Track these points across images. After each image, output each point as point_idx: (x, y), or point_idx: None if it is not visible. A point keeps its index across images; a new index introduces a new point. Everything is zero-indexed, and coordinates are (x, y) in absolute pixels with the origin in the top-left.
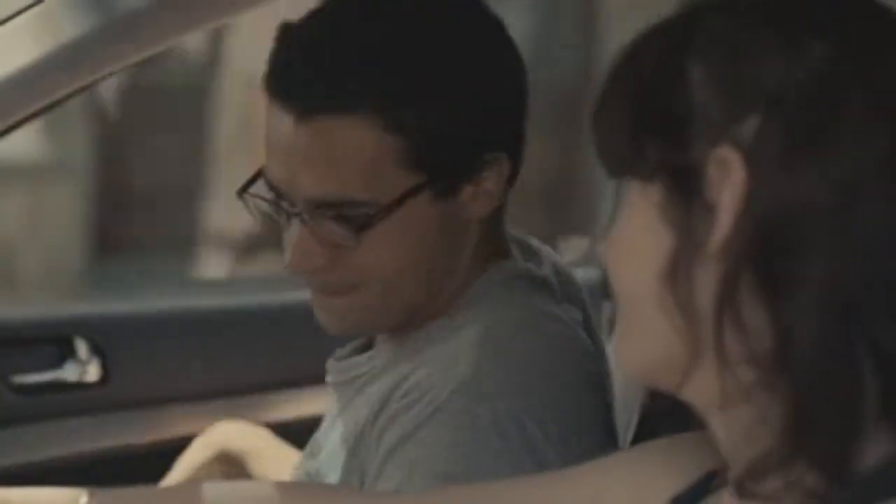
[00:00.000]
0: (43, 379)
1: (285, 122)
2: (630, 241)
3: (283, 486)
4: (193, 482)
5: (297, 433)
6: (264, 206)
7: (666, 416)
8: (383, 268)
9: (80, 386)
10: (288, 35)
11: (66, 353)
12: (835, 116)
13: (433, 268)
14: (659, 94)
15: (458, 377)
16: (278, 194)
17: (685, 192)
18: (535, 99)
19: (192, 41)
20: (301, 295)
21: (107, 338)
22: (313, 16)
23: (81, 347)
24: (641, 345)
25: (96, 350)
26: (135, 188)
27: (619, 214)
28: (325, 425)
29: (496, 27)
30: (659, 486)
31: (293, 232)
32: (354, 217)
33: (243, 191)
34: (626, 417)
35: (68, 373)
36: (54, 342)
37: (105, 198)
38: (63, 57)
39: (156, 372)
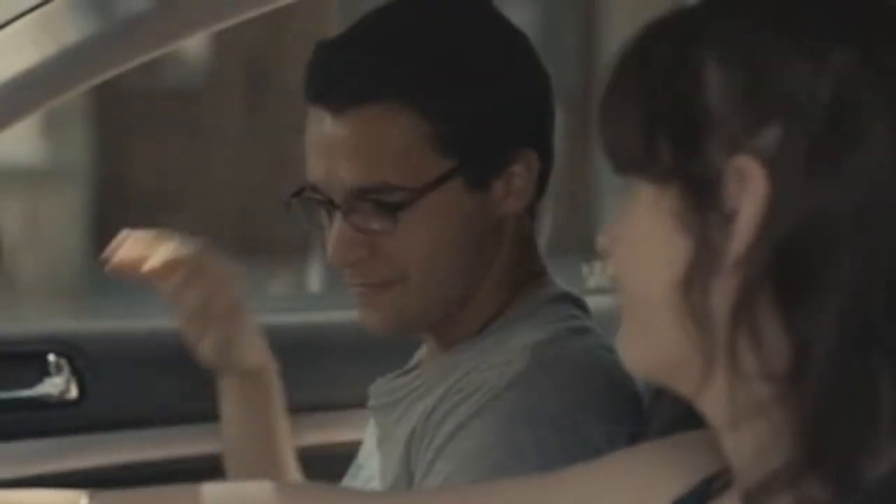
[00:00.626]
0: (20, 396)
1: (325, 121)
2: (640, 242)
3: (284, 487)
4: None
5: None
6: (309, 210)
7: (664, 418)
8: (420, 257)
9: (58, 404)
10: (320, 45)
11: (44, 370)
12: (857, 125)
13: (468, 264)
14: (675, 95)
15: (513, 372)
16: (321, 194)
17: (702, 200)
18: None
19: (192, 44)
20: (292, 318)
21: (85, 355)
22: (344, 30)
23: (60, 365)
24: (650, 346)
25: (75, 368)
26: (135, 192)
27: (625, 211)
28: (364, 450)
29: (521, 35)
30: (660, 488)
31: (335, 227)
32: (391, 203)
33: (291, 199)
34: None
35: (46, 391)
36: (32, 359)
37: (105, 201)
38: (63, 60)
39: (136, 392)
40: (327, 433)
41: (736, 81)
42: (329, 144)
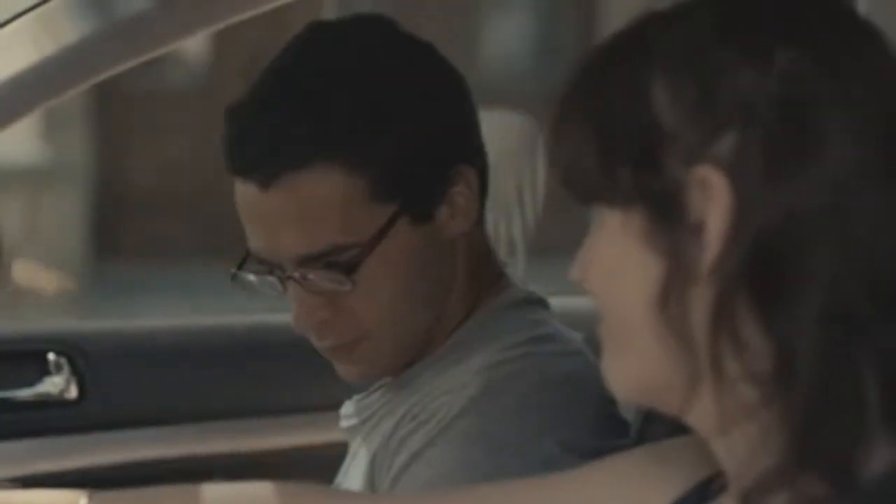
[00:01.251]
0: (19, 395)
1: (252, 194)
2: (613, 267)
3: (283, 488)
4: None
5: (275, 461)
6: (260, 279)
7: (666, 419)
8: (384, 307)
9: (58, 403)
10: (232, 113)
11: (43, 370)
12: (812, 122)
13: (431, 296)
14: (624, 117)
15: (468, 396)
16: (267, 263)
17: (668, 217)
18: (537, 101)
19: (192, 44)
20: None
21: (85, 355)
22: (251, 90)
23: (60, 364)
24: (633, 367)
25: (74, 368)
26: (135, 191)
27: (593, 239)
28: (342, 469)
29: (426, 50)
30: (657, 491)
31: (291, 294)
32: (343, 262)
33: (236, 273)
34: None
35: (46, 390)
36: (32, 358)
37: (105, 201)
38: (62, 59)
39: (135, 391)
40: (318, 434)
41: (684, 94)
42: (263, 217)
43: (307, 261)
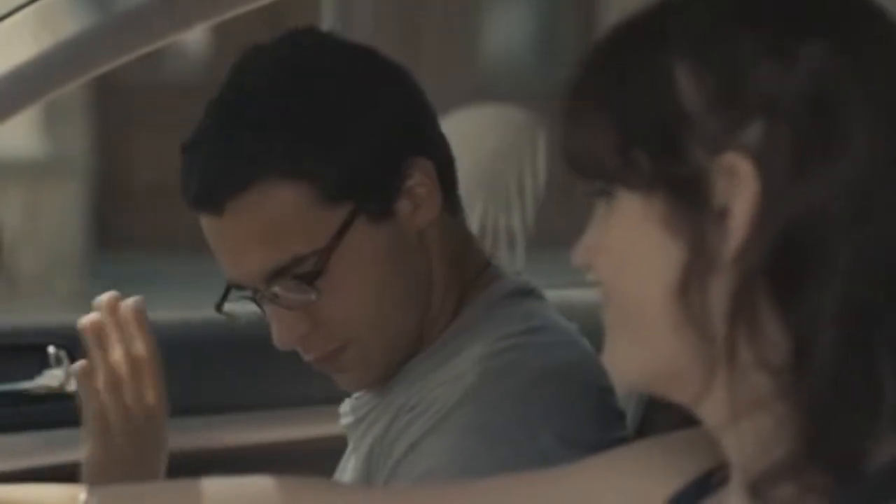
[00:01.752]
0: (19, 388)
1: (211, 223)
2: (629, 252)
3: (285, 482)
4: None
5: (276, 455)
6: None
7: (666, 409)
8: (360, 311)
9: (58, 396)
10: (182, 150)
11: (43, 362)
12: (840, 116)
13: (411, 291)
14: (645, 101)
15: (464, 387)
16: (243, 288)
17: (691, 203)
18: (537, 97)
19: (192, 37)
20: None
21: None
22: (197, 125)
23: (60, 357)
24: (645, 355)
25: (74, 360)
26: (135, 185)
27: (605, 221)
28: (340, 466)
29: (363, 54)
30: (658, 484)
31: (269, 312)
32: (307, 272)
33: (220, 307)
34: (629, 413)
35: (46, 383)
36: (31, 351)
37: (105, 195)
38: (62, 52)
39: None
40: (318, 427)
41: (708, 81)
42: (225, 242)
43: (274, 277)
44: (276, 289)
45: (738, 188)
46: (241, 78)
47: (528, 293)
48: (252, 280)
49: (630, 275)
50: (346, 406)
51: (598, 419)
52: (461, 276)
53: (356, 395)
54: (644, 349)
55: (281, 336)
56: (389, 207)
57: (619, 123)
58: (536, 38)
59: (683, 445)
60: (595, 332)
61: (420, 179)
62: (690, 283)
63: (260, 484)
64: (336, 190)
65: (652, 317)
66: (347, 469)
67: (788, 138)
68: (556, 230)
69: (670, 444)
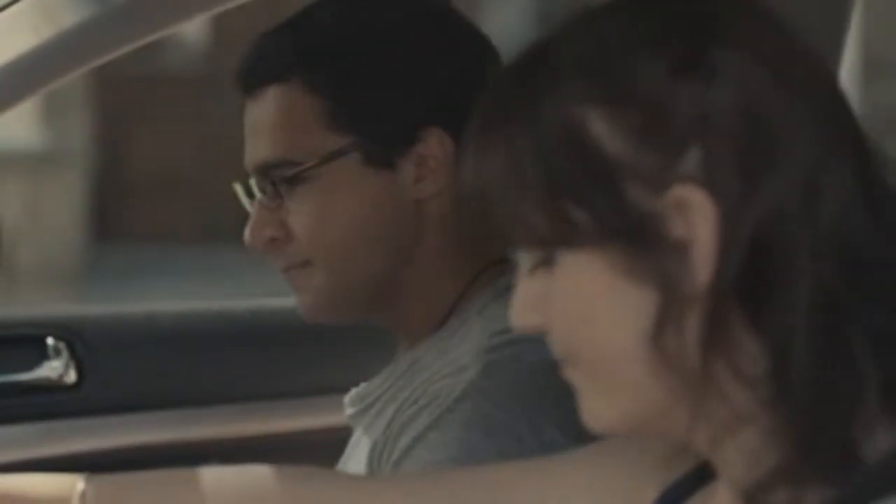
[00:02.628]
0: (18, 379)
1: (246, 104)
2: (588, 309)
3: (283, 471)
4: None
5: (276, 446)
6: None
7: None
8: (323, 235)
9: (57, 388)
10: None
11: (42, 354)
12: (773, 120)
13: (384, 246)
14: (567, 158)
15: (467, 380)
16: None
17: (648, 247)
18: None
19: (192, 29)
20: (286, 302)
21: (84, 339)
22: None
23: (58, 349)
24: (624, 404)
25: (73, 352)
26: (134, 176)
27: (540, 282)
28: (343, 457)
29: (450, 15)
30: (651, 476)
31: (251, 208)
32: (286, 178)
33: (243, 192)
34: None
35: (45, 374)
36: (30, 343)
37: (104, 186)
38: (60, 43)
39: (134, 375)
40: (319, 418)
41: (626, 121)
42: (247, 126)
43: (263, 170)
44: (263, 184)
45: (696, 219)
46: None
47: None
48: (250, 168)
49: (595, 329)
50: (349, 397)
51: None
52: (470, 263)
53: (361, 385)
54: (622, 397)
55: (248, 232)
56: (391, 162)
57: (543, 183)
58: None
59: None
60: None
61: (432, 150)
62: (666, 325)
63: (261, 473)
64: (344, 119)
65: (625, 365)
66: (351, 460)
67: (731, 156)
68: None
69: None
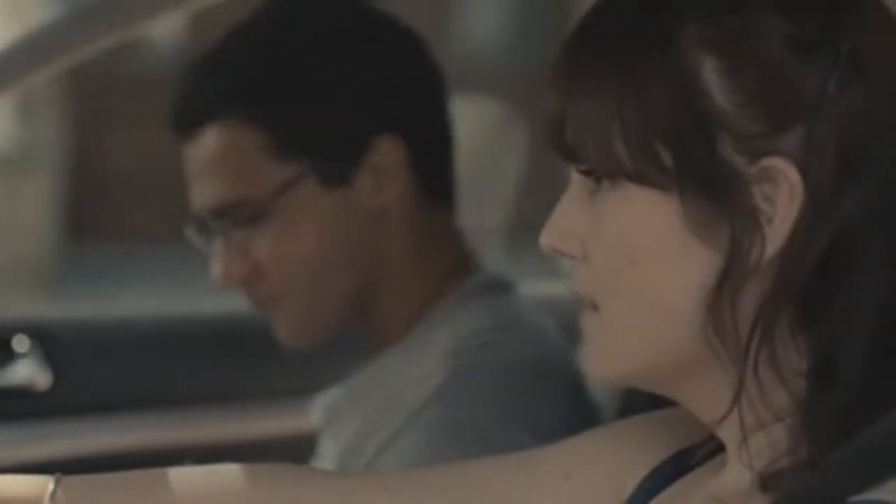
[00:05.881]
0: None
1: (184, 150)
2: (645, 249)
3: (256, 468)
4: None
5: (249, 449)
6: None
7: (644, 405)
8: (293, 266)
9: (29, 391)
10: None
11: (15, 356)
12: (879, 118)
13: (354, 263)
14: (671, 100)
15: (434, 385)
16: (201, 221)
17: (726, 207)
18: (514, 81)
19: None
20: None
21: (58, 341)
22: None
23: (30, 351)
24: (637, 356)
25: (46, 354)
26: (109, 178)
27: (592, 205)
28: (315, 460)
29: (374, 20)
30: (634, 463)
31: (214, 249)
32: (245, 217)
33: (194, 236)
34: (608, 413)
35: (16, 377)
36: (2, 345)
37: (79, 188)
38: (32, 43)
39: (109, 378)
40: (292, 422)
41: (741, 81)
42: (189, 170)
43: (218, 212)
44: (221, 225)
45: (783, 195)
46: (244, 23)
47: (501, 288)
48: (203, 212)
49: (643, 272)
50: (317, 404)
51: (571, 415)
52: (436, 267)
53: (328, 391)
54: (638, 350)
55: (218, 273)
56: (346, 177)
57: (636, 111)
58: (513, 24)
59: (658, 425)
60: (574, 327)
61: (386, 157)
62: (724, 292)
63: (233, 472)
64: (291, 146)
65: (663, 318)
66: (322, 465)
67: (833, 146)
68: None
69: (645, 423)
